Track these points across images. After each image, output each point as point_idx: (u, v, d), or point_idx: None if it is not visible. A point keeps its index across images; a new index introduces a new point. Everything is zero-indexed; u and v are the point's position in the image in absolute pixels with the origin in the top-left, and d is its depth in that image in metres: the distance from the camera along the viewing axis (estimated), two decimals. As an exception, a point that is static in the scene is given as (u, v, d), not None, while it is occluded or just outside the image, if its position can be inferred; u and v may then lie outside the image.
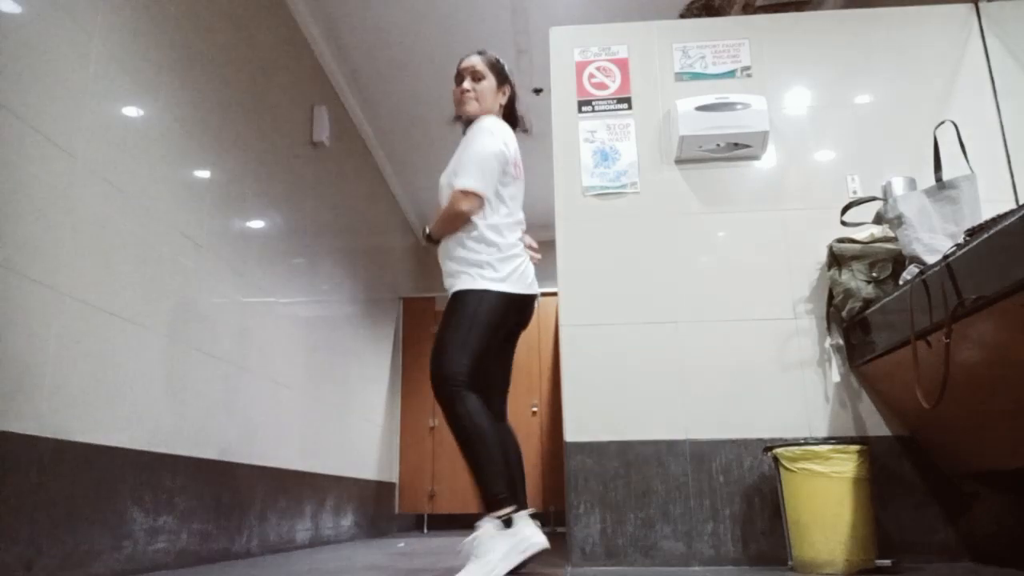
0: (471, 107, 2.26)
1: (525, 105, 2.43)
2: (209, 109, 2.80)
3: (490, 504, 1.95)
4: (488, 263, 2.15)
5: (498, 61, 2.34)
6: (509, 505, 1.96)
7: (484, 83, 2.27)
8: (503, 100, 2.34)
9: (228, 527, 2.76)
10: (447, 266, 2.23)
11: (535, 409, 5.78)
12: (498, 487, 1.96)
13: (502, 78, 2.33)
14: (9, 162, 1.77)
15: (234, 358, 2.92)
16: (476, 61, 2.29)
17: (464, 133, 2.31)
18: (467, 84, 2.26)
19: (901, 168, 2.55)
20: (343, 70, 4.51)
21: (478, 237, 2.17)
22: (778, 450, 2.26)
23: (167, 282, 2.45)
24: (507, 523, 1.93)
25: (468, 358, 2.04)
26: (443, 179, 2.26)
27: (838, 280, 2.42)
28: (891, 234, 2.34)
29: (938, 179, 2.27)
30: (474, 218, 2.17)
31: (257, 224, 3.24)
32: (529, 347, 5.79)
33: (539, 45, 3.84)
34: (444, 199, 2.22)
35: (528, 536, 1.93)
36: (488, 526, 1.92)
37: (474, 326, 2.08)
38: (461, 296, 2.14)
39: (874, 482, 2.22)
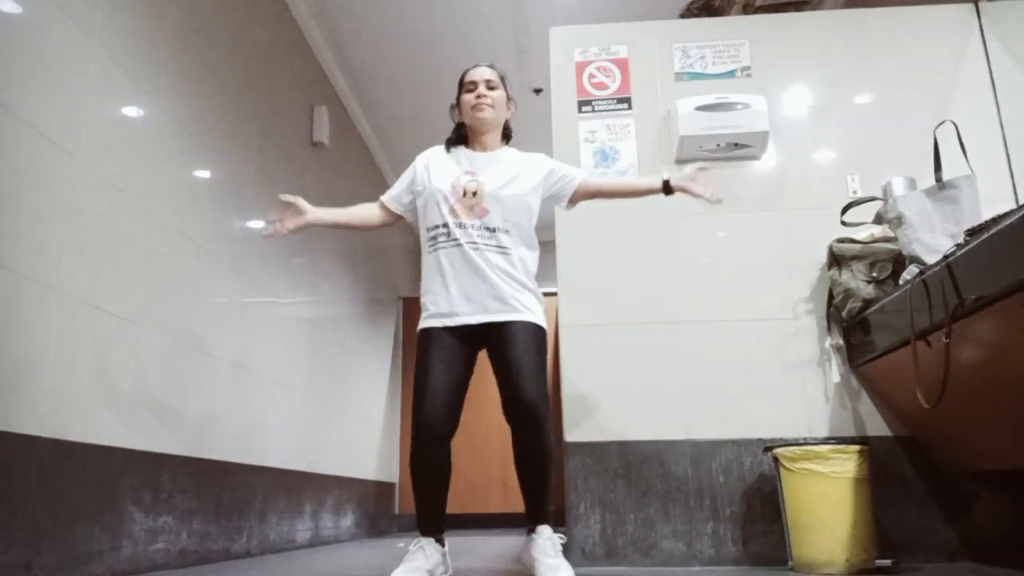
0: (488, 113, 2.15)
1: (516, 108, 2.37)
2: (209, 109, 2.80)
3: (549, 519, 2.04)
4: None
5: (505, 75, 2.26)
6: None
7: (498, 92, 2.18)
8: (508, 115, 2.25)
9: (228, 527, 2.76)
10: (522, 287, 2.05)
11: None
12: None
13: (508, 92, 2.24)
14: (9, 162, 1.77)
15: (234, 358, 2.92)
16: (488, 72, 2.19)
17: (459, 145, 2.21)
18: (483, 90, 2.15)
19: (901, 168, 2.55)
20: (343, 70, 4.51)
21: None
22: (778, 450, 2.26)
23: (167, 282, 2.45)
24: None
25: None
26: (517, 189, 2.11)
27: (838, 280, 2.42)
28: (891, 234, 2.34)
29: (938, 179, 2.27)
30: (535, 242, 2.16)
31: (257, 224, 3.24)
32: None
33: (539, 45, 3.84)
34: (519, 208, 2.10)
35: None
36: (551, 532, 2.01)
37: None
38: (544, 333, 2.06)
39: (874, 482, 2.22)
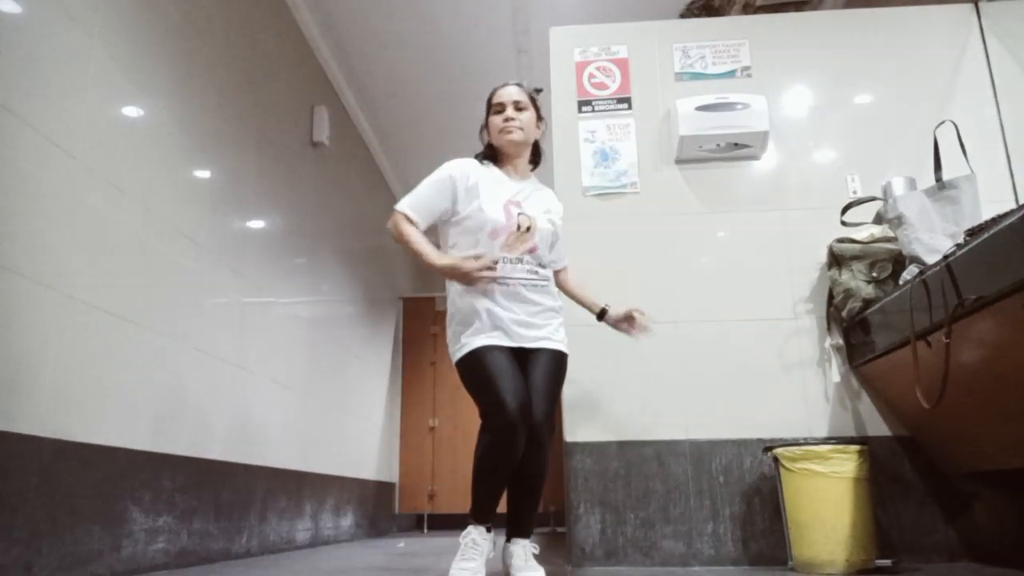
0: (517, 136, 2.11)
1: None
2: (209, 109, 2.80)
3: (530, 534, 2.07)
4: None
5: (535, 93, 2.22)
6: None
7: (527, 114, 2.14)
8: (538, 135, 2.21)
9: (228, 527, 2.76)
10: (556, 314, 2.13)
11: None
12: None
13: (538, 112, 2.20)
14: (9, 162, 1.77)
15: (234, 358, 2.92)
16: (516, 92, 2.15)
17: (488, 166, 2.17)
18: (511, 112, 2.11)
19: (901, 168, 2.55)
20: (343, 70, 4.51)
21: None
22: (778, 450, 2.26)
23: (167, 282, 2.45)
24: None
25: None
26: (554, 225, 2.17)
27: (838, 280, 2.42)
28: (891, 234, 2.34)
29: (938, 179, 2.27)
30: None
31: (257, 224, 3.24)
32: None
33: (539, 45, 3.83)
34: (552, 242, 2.18)
35: None
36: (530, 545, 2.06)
37: None
38: (566, 359, 2.12)
39: (874, 482, 2.23)
